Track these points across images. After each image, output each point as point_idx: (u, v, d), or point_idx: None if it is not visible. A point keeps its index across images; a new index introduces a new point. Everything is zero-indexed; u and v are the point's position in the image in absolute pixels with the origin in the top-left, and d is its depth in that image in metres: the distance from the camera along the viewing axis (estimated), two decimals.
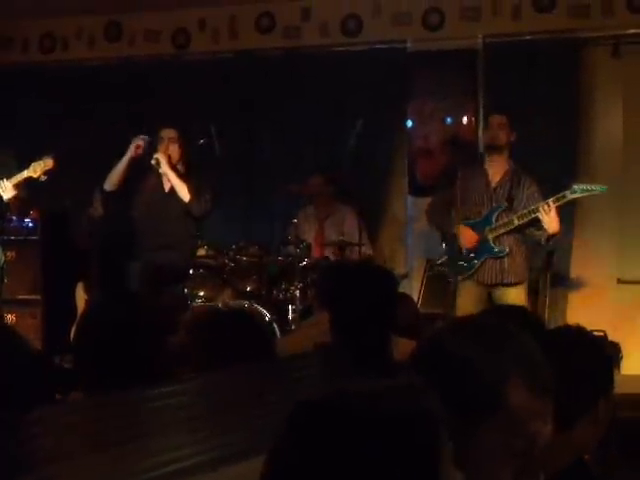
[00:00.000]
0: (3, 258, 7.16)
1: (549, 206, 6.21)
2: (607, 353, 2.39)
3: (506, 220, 6.40)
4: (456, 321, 1.95)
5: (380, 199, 8.23)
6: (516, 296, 6.40)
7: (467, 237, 6.49)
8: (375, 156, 8.03)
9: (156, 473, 1.72)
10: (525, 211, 6.32)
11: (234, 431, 1.94)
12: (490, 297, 6.48)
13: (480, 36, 7.84)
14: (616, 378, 2.38)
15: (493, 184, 6.48)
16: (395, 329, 3.44)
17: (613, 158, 7.63)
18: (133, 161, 7.12)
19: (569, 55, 7.62)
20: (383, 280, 3.51)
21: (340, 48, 8.27)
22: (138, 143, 7.10)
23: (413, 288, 7.72)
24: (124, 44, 8.84)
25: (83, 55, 8.92)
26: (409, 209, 8.16)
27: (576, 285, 7.67)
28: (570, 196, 6.28)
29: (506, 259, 6.42)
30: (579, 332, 2.40)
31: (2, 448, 1.62)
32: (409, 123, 8.13)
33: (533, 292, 7.53)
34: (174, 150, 7.16)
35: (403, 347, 3.30)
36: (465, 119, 7.90)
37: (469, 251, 6.49)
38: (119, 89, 8.67)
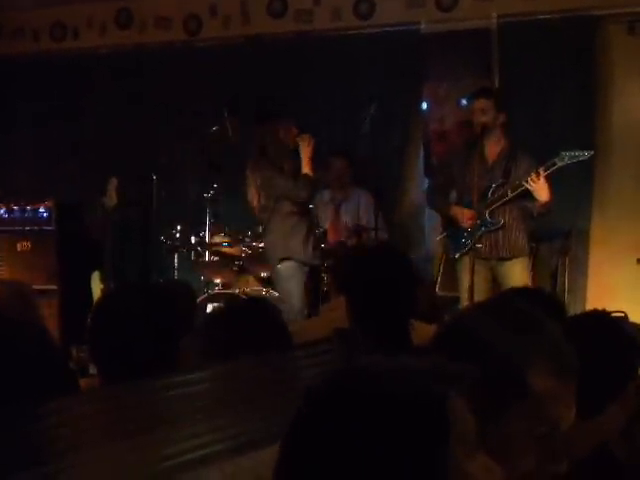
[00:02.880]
0: None
1: (538, 175, 6.23)
2: (633, 337, 2.36)
3: (501, 193, 6.42)
4: (479, 305, 1.93)
5: (396, 182, 8.19)
6: (514, 271, 6.45)
7: (465, 216, 6.53)
8: (390, 139, 7.99)
9: (174, 461, 1.71)
10: (517, 182, 6.34)
11: (254, 418, 1.92)
12: (492, 273, 6.53)
13: (494, 16, 7.77)
14: None
15: (489, 162, 6.50)
16: (413, 313, 3.41)
17: (631, 136, 7.57)
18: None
19: (585, 33, 7.55)
20: (400, 264, 3.48)
21: (353, 31, 8.22)
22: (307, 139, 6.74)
23: (431, 272, 7.69)
24: (135, 31, 8.81)
25: (94, 43, 8.90)
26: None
27: (595, 267, 7.61)
28: (559, 163, 6.29)
29: (500, 233, 6.47)
30: (603, 317, 2.37)
31: (21, 438, 1.62)
32: (424, 105, 8.08)
33: (552, 276, 7.50)
34: None
35: (421, 331, 3.28)
36: None
37: (467, 228, 6.53)
38: (131, 76, 8.65)
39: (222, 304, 6.47)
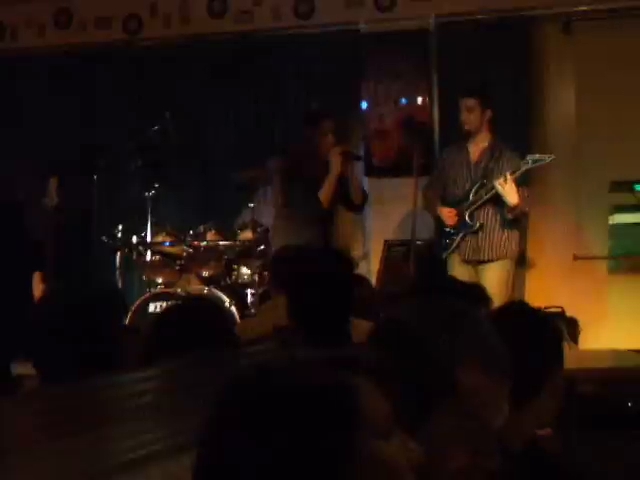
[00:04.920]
0: None
1: (505, 179, 6.30)
2: (552, 323, 2.38)
3: (479, 195, 6.48)
4: (413, 301, 1.95)
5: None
6: (494, 273, 6.44)
7: (447, 216, 6.58)
8: None
9: (116, 460, 1.71)
10: (489, 185, 6.40)
11: (197, 416, 1.94)
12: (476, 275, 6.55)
13: (432, 16, 7.84)
14: (574, 353, 2.38)
15: (473, 161, 6.55)
16: (352, 311, 3.44)
17: (566, 134, 7.68)
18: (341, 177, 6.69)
19: (520, 32, 7.69)
20: (339, 262, 3.51)
21: (293, 31, 8.24)
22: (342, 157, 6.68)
23: (372, 270, 7.73)
24: (75, 31, 8.73)
25: (33, 43, 8.79)
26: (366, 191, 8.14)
27: (533, 263, 7.71)
28: (524, 167, 6.38)
29: (480, 234, 6.49)
30: (520, 307, 2.39)
31: None
32: (364, 105, 8.12)
33: None
34: None
35: (361, 329, 3.30)
36: (419, 100, 7.91)
37: (451, 229, 6.58)
38: (71, 76, 8.58)
39: (166, 304, 6.47)
